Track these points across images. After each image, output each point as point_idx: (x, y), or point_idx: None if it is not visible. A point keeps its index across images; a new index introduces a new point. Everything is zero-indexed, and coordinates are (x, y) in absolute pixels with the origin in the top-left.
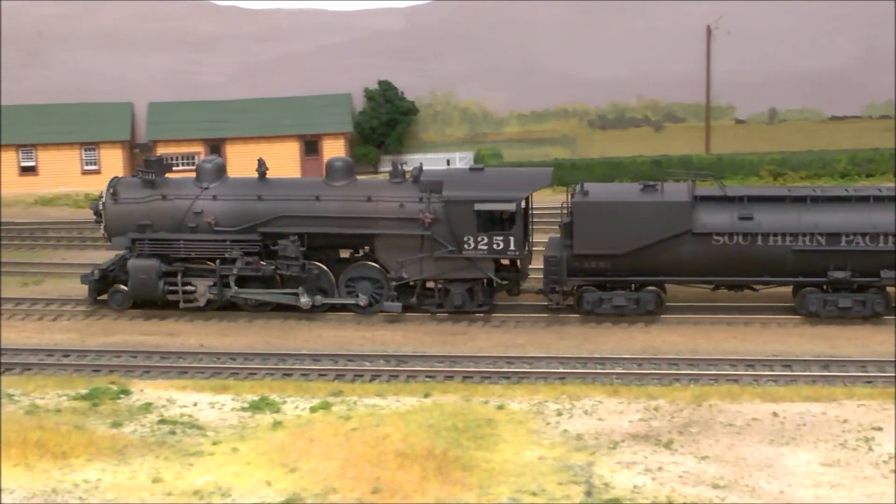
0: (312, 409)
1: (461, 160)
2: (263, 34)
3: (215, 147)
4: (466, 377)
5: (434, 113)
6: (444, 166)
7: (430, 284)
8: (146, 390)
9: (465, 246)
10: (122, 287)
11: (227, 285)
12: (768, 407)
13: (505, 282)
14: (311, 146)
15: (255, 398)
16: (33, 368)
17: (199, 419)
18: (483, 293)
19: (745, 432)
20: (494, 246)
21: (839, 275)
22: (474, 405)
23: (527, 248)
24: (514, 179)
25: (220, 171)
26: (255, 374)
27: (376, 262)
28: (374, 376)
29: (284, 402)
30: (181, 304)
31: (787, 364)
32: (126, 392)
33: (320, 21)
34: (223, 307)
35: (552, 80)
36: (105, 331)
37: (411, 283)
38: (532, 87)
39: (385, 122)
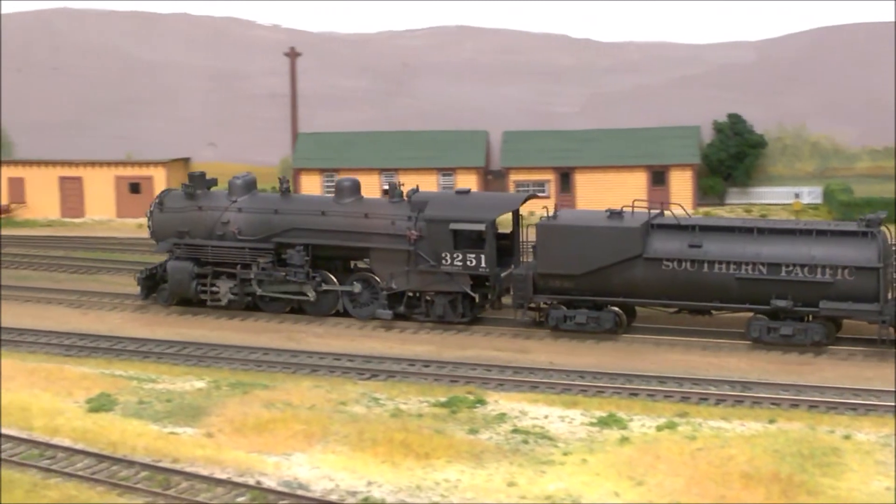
0: (658, 428)
1: (809, 194)
2: (615, 66)
3: (565, 175)
4: (812, 406)
5: (783, 146)
6: (791, 200)
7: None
8: (500, 401)
9: (443, 261)
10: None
11: (250, 286)
12: None
13: (489, 296)
14: (658, 177)
15: (603, 414)
16: (397, 376)
17: (550, 431)
18: (463, 305)
19: None
20: (468, 262)
21: (781, 303)
22: (820, 433)
23: (512, 266)
24: (489, 203)
25: (250, 186)
26: (602, 391)
27: (372, 272)
28: (719, 400)
29: (631, 420)
30: (208, 303)
31: None
32: (482, 402)
33: (671, 54)
34: (247, 307)
35: None
36: (461, 345)
37: (410, 294)
38: (886, 121)
39: (733, 155)
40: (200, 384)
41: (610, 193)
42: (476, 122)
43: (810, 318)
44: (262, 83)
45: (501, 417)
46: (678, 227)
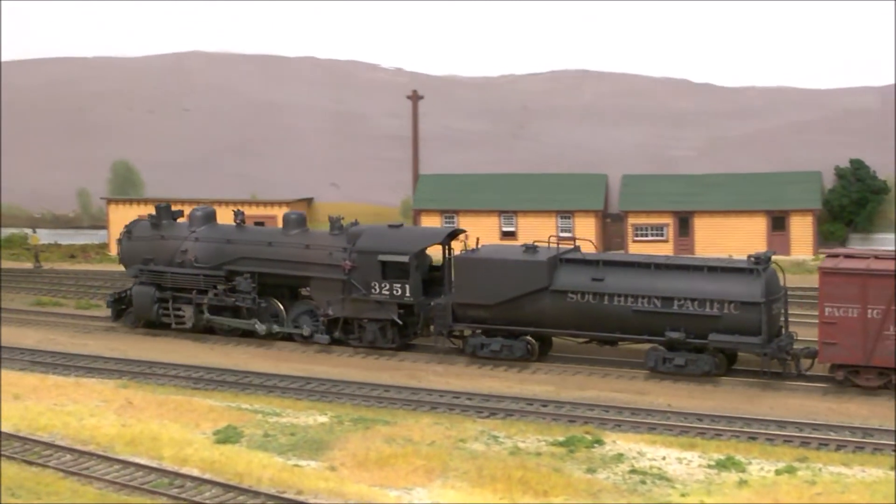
0: (777, 472)
1: None
2: (735, 111)
3: (683, 220)
4: None
5: None
6: None
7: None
8: (618, 442)
9: (373, 290)
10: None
11: (203, 312)
12: None
13: (418, 324)
14: (778, 222)
15: (721, 457)
16: (515, 414)
17: (668, 472)
18: (392, 332)
19: None
20: (395, 292)
21: (674, 335)
22: None
23: (442, 296)
24: (415, 236)
25: (209, 217)
26: (721, 434)
27: (312, 299)
28: (840, 446)
29: (749, 463)
30: (172, 325)
31: None
32: (600, 442)
33: (792, 99)
34: (204, 330)
35: None
36: (580, 385)
37: (349, 320)
38: None
39: (855, 201)
40: (323, 419)
41: (729, 238)
42: (595, 166)
43: (711, 348)
44: (385, 125)
45: (619, 458)
46: (584, 262)
